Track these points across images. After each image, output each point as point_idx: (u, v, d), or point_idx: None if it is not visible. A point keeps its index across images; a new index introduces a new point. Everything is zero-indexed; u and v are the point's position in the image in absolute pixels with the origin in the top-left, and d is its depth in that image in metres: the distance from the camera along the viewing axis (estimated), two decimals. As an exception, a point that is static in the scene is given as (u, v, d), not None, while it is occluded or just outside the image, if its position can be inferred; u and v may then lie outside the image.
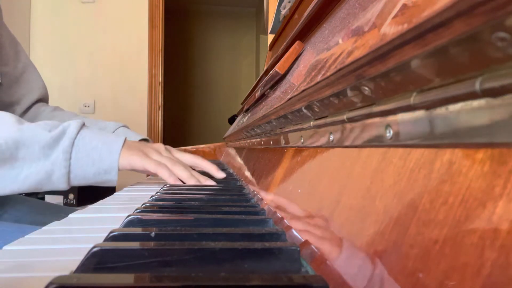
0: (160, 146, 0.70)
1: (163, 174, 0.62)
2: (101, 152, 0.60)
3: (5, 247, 0.28)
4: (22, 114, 0.90)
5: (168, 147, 0.78)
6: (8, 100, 0.87)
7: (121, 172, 0.64)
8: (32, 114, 0.91)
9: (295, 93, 0.33)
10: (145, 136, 0.94)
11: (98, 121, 0.95)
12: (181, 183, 0.63)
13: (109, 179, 0.62)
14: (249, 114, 0.84)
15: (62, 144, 0.59)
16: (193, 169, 0.68)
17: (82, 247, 0.26)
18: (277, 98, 0.46)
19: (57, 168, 0.58)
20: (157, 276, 0.19)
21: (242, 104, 1.17)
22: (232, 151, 1.16)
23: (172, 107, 4.03)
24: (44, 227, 0.36)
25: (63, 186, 0.60)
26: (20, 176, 0.57)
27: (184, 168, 0.65)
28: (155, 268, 0.23)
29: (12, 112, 0.87)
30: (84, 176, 0.60)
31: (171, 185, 0.61)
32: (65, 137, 0.59)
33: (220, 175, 0.70)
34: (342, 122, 0.26)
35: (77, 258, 0.23)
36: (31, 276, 0.23)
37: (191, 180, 0.64)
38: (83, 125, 0.63)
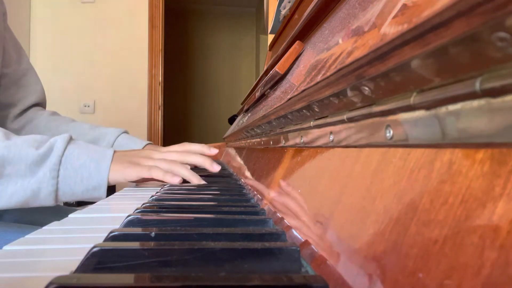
0: (150, 152, 0.69)
1: (158, 175, 0.62)
2: (89, 170, 0.60)
3: (5, 247, 0.28)
4: (18, 116, 0.88)
5: (158, 147, 0.75)
6: (5, 102, 0.86)
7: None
8: (29, 117, 0.90)
9: (295, 93, 0.33)
10: (146, 141, 0.91)
11: (99, 127, 0.92)
12: (176, 182, 0.62)
13: (98, 195, 0.62)
14: (249, 114, 0.84)
15: (49, 161, 0.58)
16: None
17: (82, 247, 0.26)
18: (277, 98, 0.46)
19: (44, 186, 0.58)
20: (157, 276, 0.19)
21: (242, 104, 1.17)
22: (232, 151, 1.16)
23: (172, 107, 4.03)
24: (44, 227, 0.36)
25: (50, 203, 0.59)
26: (6, 192, 0.57)
27: (179, 166, 0.64)
28: (155, 268, 0.23)
29: (7, 114, 0.87)
30: (73, 193, 0.60)
31: (171, 185, 0.61)
32: (52, 154, 0.59)
33: (216, 168, 0.69)
34: (342, 122, 0.26)
35: (77, 258, 0.23)
36: (31, 276, 0.23)
37: (174, 179, 0.63)
38: (70, 139, 0.62)
